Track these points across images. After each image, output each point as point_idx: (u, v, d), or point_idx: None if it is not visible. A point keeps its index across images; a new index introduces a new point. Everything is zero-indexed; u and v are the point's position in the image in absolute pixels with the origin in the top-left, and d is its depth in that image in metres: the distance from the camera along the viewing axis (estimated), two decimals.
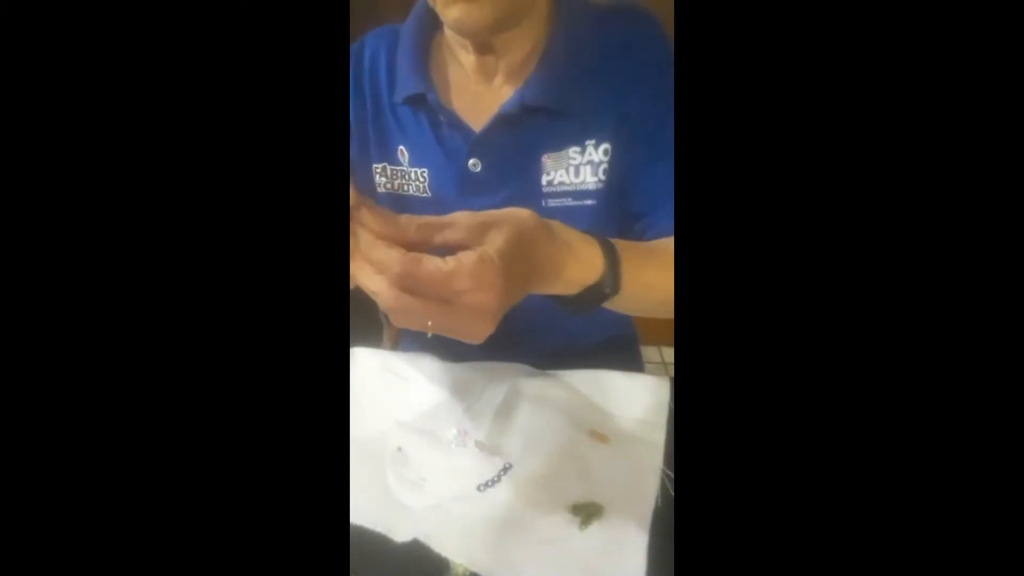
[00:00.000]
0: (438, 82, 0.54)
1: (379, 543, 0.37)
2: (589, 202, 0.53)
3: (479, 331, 0.30)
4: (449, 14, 0.45)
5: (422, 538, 0.37)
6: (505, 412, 0.46)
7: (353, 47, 0.58)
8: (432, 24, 0.53)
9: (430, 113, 0.53)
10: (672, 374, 0.45)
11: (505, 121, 0.51)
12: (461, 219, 0.31)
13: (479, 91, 0.54)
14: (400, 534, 0.37)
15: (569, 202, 0.53)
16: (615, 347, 0.66)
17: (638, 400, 0.48)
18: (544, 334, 0.59)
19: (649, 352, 1.58)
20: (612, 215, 0.54)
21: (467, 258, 0.28)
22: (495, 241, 0.30)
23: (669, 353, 1.57)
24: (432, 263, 0.28)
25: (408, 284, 0.28)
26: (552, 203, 0.53)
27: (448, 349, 0.50)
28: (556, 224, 0.35)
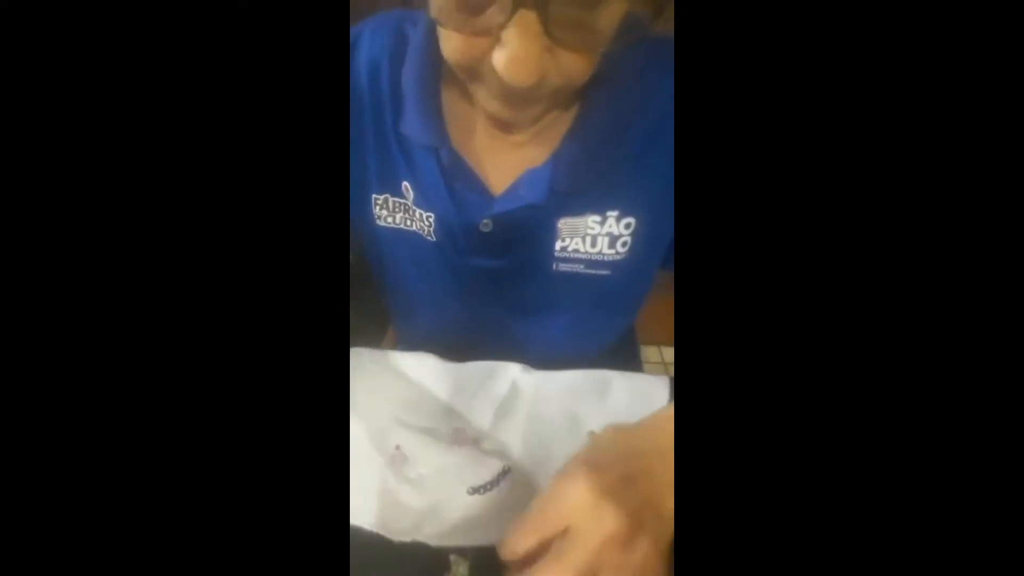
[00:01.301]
0: (452, 126, 0.47)
1: (379, 543, 0.37)
2: (603, 272, 0.51)
3: None
4: (494, 109, 0.40)
5: (421, 538, 0.37)
6: (504, 412, 0.46)
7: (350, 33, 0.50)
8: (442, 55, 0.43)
9: (441, 162, 0.48)
10: (672, 374, 0.45)
11: (530, 207, 0.47)
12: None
13: (498, 141, 0.48)
14: (400, 534, 0.37)
15: (581, 269, 0.51)
16: (614, 347, 0.66)
17: (638, 400, 0.48)
18: (543, 334, 0.59)
19: (649, 352, 1.58)
20: (627, 288, 0.51)
21: None
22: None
23: (669, 353, 1.57)
24: None
25: None
26: (563, 267, 0.50)
27: (448, 349, 0.50)
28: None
